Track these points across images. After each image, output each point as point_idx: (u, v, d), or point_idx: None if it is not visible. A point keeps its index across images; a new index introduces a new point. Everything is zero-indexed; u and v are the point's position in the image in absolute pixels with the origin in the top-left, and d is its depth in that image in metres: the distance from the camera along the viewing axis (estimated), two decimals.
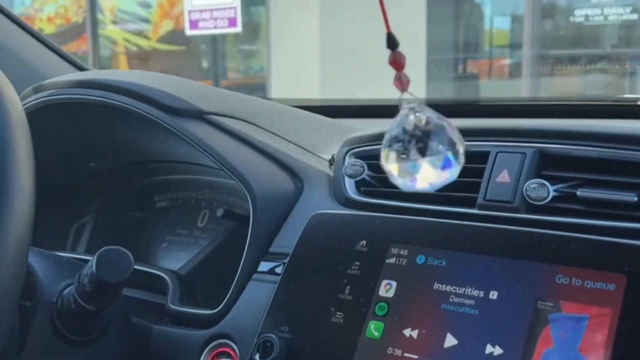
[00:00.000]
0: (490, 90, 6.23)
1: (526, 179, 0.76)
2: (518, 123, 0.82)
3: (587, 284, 0.66)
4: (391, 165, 0.50)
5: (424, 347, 0.70)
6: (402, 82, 0.52)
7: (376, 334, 0.73)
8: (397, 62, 0.51)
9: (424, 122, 0.50)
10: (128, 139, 1.09)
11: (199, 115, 0.93)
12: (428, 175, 0.50)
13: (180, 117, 0.92)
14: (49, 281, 0.81)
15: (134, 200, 1.17)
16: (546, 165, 0.77)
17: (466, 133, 0.82)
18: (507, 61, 6.27)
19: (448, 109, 1.39)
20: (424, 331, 0.71)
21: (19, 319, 0.77)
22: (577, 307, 0.66)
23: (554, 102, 1.29)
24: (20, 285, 0.68)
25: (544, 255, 0.69)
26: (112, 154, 1.14)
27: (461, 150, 0.51)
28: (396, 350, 0.71)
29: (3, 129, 0.65)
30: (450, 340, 0.69)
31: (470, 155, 0.81)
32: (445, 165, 0.51)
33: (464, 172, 0.80)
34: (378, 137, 0.89)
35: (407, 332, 0.71)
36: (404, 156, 0.49)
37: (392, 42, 0.51)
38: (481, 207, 0.77)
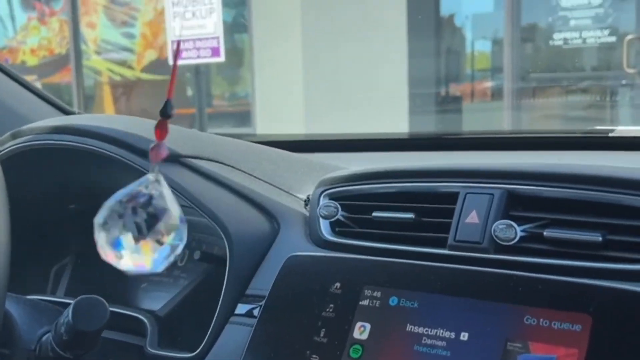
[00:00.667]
0: (473, 111, 6.27)
1: (494, 219, 0.77)
2: (487, 163, 0.84)
3: (555, 324, 0.68)
4: (99, 234, 0.47)
5: None
6: (157, 153, 0.51)
7: None
8: (160, 131, 0.51)
9: (149, 198, 0.47)
10: (106, 181, 1.10)
11: (175, 159, 0.95)
12: (140, 258, 0.46)
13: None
14: (27, 328, 0.82)
15: None
16: (514, 205, 0.79)
17: (437, 174, 0.85)
18: (488, 84, 6.34)
19: (426, 143, 1.42)
20: None
21: None
22: (545, 348, 0.67)
23: (527, 135, 1.31)
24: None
25: (513, 296, 0.71)
26: (90, 196, 1.14)
27: (183, 239, 0.48)
28: None
29: None
30: None
31: (440, 196, 0.84)
32: (164, 251, 0.47)
33: (435, 213, 0.83)
34: (352, 178, 0.91)
35: None
36: (116, 226, 0.46)
37: (166, 110, 0.51)
38: (451, 248, 0.79)
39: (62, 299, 1.08)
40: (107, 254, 0.44)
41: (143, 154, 0.93)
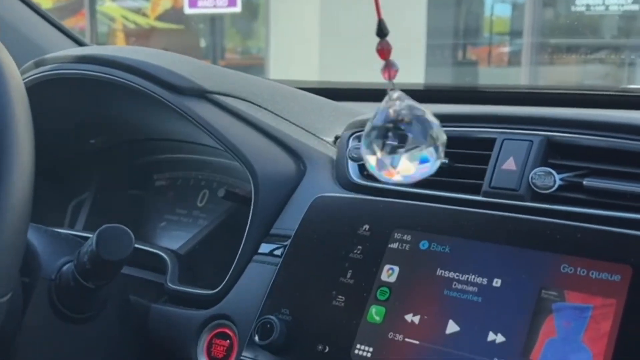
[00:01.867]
0: (489, 77, 6.21)
1: (532, 167, 0.75)
2: (525, 110, 0.81)
3: (592, 274, 0.66)
4: (369, 156, 0.49)
5: (426, 332, 0.70)
6: (389, 71, 0.51)
7: (377, 318, 0.72)
8: (383, 50, 0.51)
9: (406, 114, 0.49)
10: (129, 116, 1.08)
11: (202, 94, 0.92)
12: (405, 168, 0.49)
13: (183, 96, 0.91)
14: (48, 258, 0.80)
15: (133, 179, 1.16)
16: (553, 153, 0.77)
17: (472, 119, 0.83)
18: (506, 49, 6.26)
19: (449, 95, 1.39)
20: (425, 317, 0.70)
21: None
22: (582, 297, 0.65)
23: (556, 91, 1.28)
24: (21, 260, 0.67)
25: (549, 244, 0.69)
26: (112, 131, 1.13)
27: (441, 145, 0.51)
28: (397, 335, 0.71)
29: (1, 97, 0.64)
30: (452, 327, 0.69)
31: (476, 142, 0.81)
32: (424, 159, 0.50)
33: (469, 159, 0.81)
34: None
35: (408, 317, 0.71)
36: (383, 147, 0.48)
37: (381, 30, 0.51)
38: (486, 195, 0.77)
39: (81, 232, 1.06)
40: (385, 173, 0.47)
41: (167, 85, 0.91)
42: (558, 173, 0.74)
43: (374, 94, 1.40)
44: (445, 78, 5.91)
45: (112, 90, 0.97)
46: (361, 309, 0.73)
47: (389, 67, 0.50)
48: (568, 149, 0.76)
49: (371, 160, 0.50)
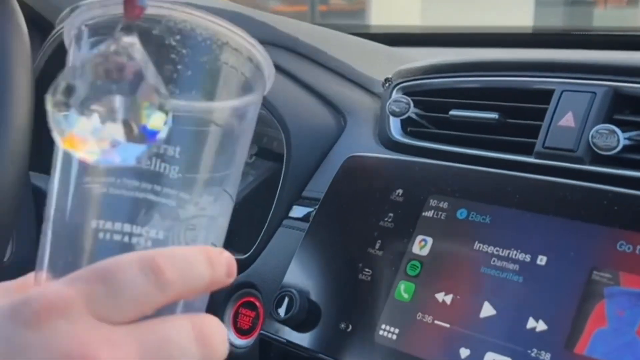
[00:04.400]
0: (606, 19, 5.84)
1: (594, 123, 0.64)
2: (590, 56, 0.70)
3: None
4: (51, 113, 0.31)
5: (458, 315, 0.61)
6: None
7: (406, 296, 0.64)
8: None
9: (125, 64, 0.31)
10: None
11: None
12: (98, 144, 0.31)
13: None
14: None
15: None
16: (620, 107, 0.65)
17: (527, 67, 0.71)
18: None
19: (526, 38, 1.25)
20: (458, 297, 0.61)
21: None
22: (639, 281, 0.55)
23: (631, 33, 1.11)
24: (20, 196, 0.63)
25: (606, 216, 0.58)
26: None
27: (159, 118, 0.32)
28: (426, 316, 0.62)
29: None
30: (487, 310, 0.60)
31: (531, 93, 0.70)
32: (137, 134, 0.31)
33: (523, 113, 0.70)
34: (429, 70, 0.78)
35: (439, 296, 0.62)
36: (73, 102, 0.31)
37: None
38: (539, 156, 0.66)
39: None
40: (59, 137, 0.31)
41: None
42: (623, 131, 0.63)
43: (468, 39, 1.29)
44: (556, 19, 5.59)
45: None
46: (389, 284, 0.65)
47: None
48: (638, 103, 0.64)
49: (51, 121, 0.32)
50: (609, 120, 0.64)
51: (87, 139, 0.31)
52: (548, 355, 0.56)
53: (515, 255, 0.60)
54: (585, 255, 0.57)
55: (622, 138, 0.62)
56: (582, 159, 0.64)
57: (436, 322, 0.61)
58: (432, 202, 0.66)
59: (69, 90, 0.31)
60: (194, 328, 0.31)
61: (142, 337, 0.29)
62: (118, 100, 0.30)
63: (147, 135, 0.31)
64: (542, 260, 0.59)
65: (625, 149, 0.62)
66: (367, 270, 0.66)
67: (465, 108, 0.73)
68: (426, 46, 1.19)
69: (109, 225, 0.32)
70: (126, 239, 0.32)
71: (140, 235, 0.33)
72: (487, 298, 0.60)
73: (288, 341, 0.67)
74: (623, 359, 0.53)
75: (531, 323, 0.57)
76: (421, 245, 0.65)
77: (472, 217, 0.64)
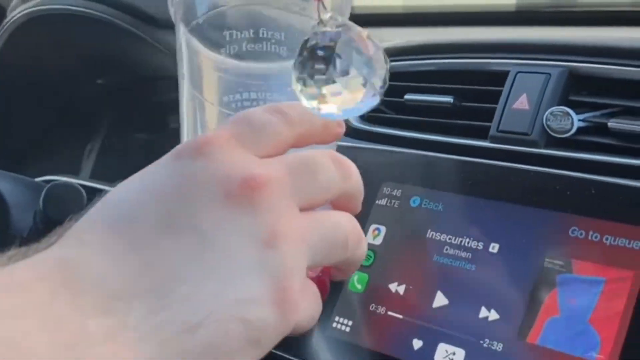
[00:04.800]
0: None
1: (549, 105, 0.62)
2: (548, 34, 0.68)
3: (607, 239, 0.53)
4: (297, 85, 0.41)
5: (411, 305, 0.59)
6: None
7: (359, 286, 0.62)
8: None
9: (343, 38, 0.41)
10: (131, 53, 1.00)
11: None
12: (342, 99, 0.41)
13: (162, 29, 0.82)
14: (21, 211, 0.74)
15: (145, 121, 1.09)
16: (577, 88, 0.63)
17: (484, 48, 0.70)
18: None
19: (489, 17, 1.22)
20: (411, 287, 0.60)
21: None
22: (592, 268, 0.53)
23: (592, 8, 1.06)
24: None
25: (558, 201, 0.56)
26: (118, 69, 1.05)
27: (383, 74, 0.43)
28: (379, 307, 0.60)
29: None
30: (440, 300, 0.58)
31: (485, 75, 0.68)
32: (364, 89, 0.42)
33: (480, 96, 0.68)
34: (395, 52, 0.76)
35: (393, 286, 0.61)
36: (315, 74, 0.40)
37: None
38: (494, 140, 0.65)
39: (87, 181, 1.00)
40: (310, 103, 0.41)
41: (145, 17, 0.81)
42: (578, 113, 0.61)
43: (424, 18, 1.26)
44: None
45: (103, 27, 0.89)
46: None
47: None
48: (594, 83, 0.63)
49: (297, 89, 0.42)
50: (565, 102, 0.62)
51: (340, 94, 0.40)
52: (500, 346, 0.54)
53: (468, 243, 0.59)
54: (538, 242, 0.56)
55: (576, 120, 0.60)
56: (537, 143, 0.62)
57: (389, 313, 0.60)
58: (386, 190, 0.65)
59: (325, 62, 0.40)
60: (331, 156, 0.37)
61: (287, 159, 0.35)
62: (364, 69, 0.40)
63: (381, 91, 0.42)
64: (494, 247, 0.58)
65: (581, 131, 0.61)
66: None
67: (421, 92, 0.71)
68: (405, 26, 1.16)
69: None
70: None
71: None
72: (440, 287, 0.59)
73: None
74: (575, 348, 0.52)
75: (483, 312, 0.56)
76: (375, 235, 0.63)
77: (425, 205, 0.62)
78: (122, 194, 0.33)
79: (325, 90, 0.41)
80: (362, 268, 0.62)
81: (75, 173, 1.07)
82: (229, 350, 0.30)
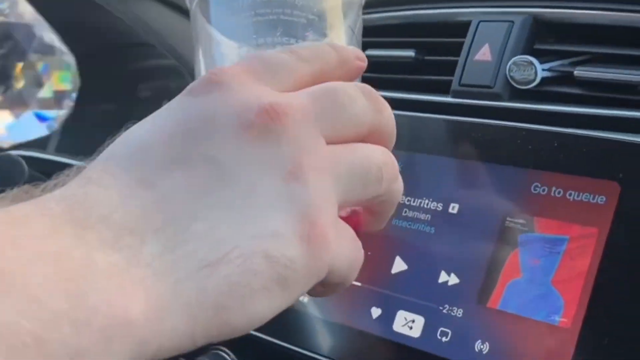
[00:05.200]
0: None
1: (512, 55, 0.58)
2: None
3: (570, 195, 0.50)
4: None
5: (369, 272, 0.56)
6: None
7: None
8: None
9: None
10: (94, 19, 0.97)
11: None
12: None
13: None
14: None
15: (114, 90, 1.05)
16: (543, 36, 0.59)
17: None
18: None
19: None
20: (369, 253, 0.56)
21: None
22: (555, 226, 0.50)
23: None
24: None
25: (520, 156, 0.53)
26: (82, 36, 1.01)
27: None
28: None
29: None
30: (399, 265, 0.55)
31: (447, 27, 0.65)
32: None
33: (440, 48, 0.65)
34: None
35: None
36: None
37: None
38: (456, 94, 0.61)
39: (53, 155, 0.97)
40: None
41: None
42: (542, 62, 0.57)
43: None
44: None
45: None
46: None
47: None
48: (560, 30, 0.59)
49: None
50: (530, 51, 0.58)
51: None
52: (460, 312, 0.51)
53: (427, 204, 0.56)
54: (499, 200, 0.53)
55: (539, 69, 0.57)
56: (500, 95, 0.58)
57: None
58: None
59: None
60: (362, 87, 0.34)
61: (311, 89, 0.33)
62: None
63: None
64: (454, 208, 0.54)
65: (546, 81, 0.57)
66: None
67: (382, 47, 0.67)
68: None
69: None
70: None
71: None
72: (398, 252, 0.56)
73: None
74: (537, 312, 0.49)
75: (443, 277, 0.53)
76: None
77: None
78: (132, 135, 0.30)
79: None
80: None
81: (42, 147, 1.04)
82: (252, 290, 0.27)
